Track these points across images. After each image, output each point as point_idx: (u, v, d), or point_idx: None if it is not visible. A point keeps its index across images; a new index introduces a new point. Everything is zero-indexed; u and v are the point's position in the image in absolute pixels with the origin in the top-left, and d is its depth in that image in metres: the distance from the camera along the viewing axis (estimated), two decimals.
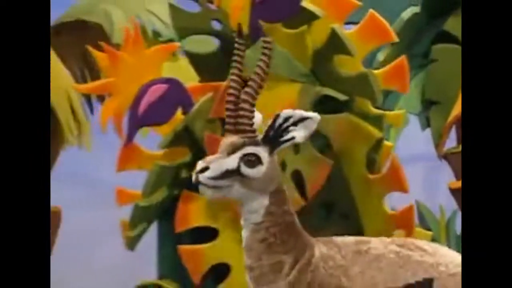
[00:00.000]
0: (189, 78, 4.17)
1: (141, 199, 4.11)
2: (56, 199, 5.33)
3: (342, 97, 3.77)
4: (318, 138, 3.83)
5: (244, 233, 3.22)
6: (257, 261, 3.24)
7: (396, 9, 5.06)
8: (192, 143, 4.01)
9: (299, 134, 3.16)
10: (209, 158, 3.17)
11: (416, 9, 5.02)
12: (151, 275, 4.54)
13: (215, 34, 4.13)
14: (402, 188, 3.95)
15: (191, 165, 3.88)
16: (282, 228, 3.25)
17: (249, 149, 3.17)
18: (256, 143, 3.18)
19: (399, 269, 3.29)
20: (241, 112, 3.20)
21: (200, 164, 3.11)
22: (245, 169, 3.16)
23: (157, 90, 3.90)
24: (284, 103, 3.89)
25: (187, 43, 4.14)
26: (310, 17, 3.76)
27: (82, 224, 5.33)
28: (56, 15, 5.14)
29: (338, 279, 3.25)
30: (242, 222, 3.23)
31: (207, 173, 3.11)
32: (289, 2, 3.87)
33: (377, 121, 3.82)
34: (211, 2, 4.05)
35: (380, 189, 3.83)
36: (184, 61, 4.26)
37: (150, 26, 4.96)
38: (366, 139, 3.81)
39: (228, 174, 3.16)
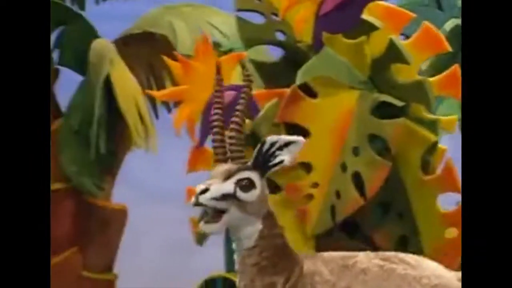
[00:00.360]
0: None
1: None
2: (123, 198, 5.40)
3: (399, 103, 3.86)
4: (377, 142, 3.92)
5: (237, 257, 3.24)
6: (251, 283, 3.25)
7: (439, 21, 5.18)
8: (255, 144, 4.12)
9: (286, 158, 3.21)
10: (207, 181, 3.17)
11: (457, 21, 5.13)
12: (219, 269, 4.64)
13: (279, 44, 4.21)
14: (456, 189, 3.98)
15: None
16: (273, 251, 3.27)
17: (244, 174, 3.20)
18: (248, 168, 3.22)
19: (384, 282, 3.30)
20: (232, 141, 3.23)
21: (200, 187, 3.13)
22: (240, 193, 3.19)
23: (227, 97, 3.89)
24: (343, 109, 4.04)
25: (251, 52, 4.25)
26: (369, 28, 3.86)
27: (149, 222, 5.46)
28: (124, 27, 5.24)
29: None
30: (234, 246, 3.24)
31: (208, 194, 3.13)
32: (350, 14, 3.97)
33: (432, 125, 3.91)
34: (276, 15, 4.14)
35: (434, 190, 3.91)
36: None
37: (212, 37, 4.93)
38: (422, 143, 3.89)
39: (225, 197, 3.17)
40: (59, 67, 5.23)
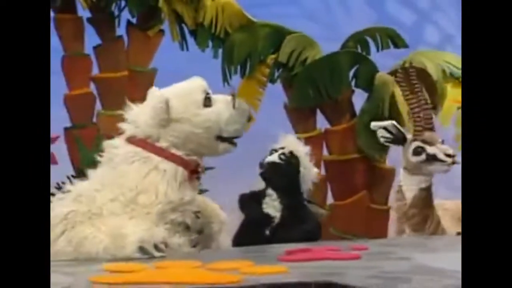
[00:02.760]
0: None
1: None
2: (392, 162, 6.45)
3: None
4: None
5: (409, 194, 3.77)
6: (418, 214, 3.76)
7: None
8: None
9: None
10: (449, 149, 3.74)
11: None
12: None
13: None
14: None
15: None
16: (431, 191, 3.86)
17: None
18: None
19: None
20: (427, 118, 3.85)
21: (449, 150, 3.75)
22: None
23: None
24: None
25: None
26: None
27: None
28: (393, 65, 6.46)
29: None
30: (405, 187, 3.77)
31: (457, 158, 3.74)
32: None
33: None
34: None
35: None
36: None
37: (448, 69, 6.37)
38: None
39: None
40: (355, 88, 6.55)
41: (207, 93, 3.46)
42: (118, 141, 3.47)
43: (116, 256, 3.08)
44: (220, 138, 3.46)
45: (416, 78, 3.90)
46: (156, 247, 3.15)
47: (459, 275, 2.28)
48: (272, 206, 3.60)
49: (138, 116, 3.39)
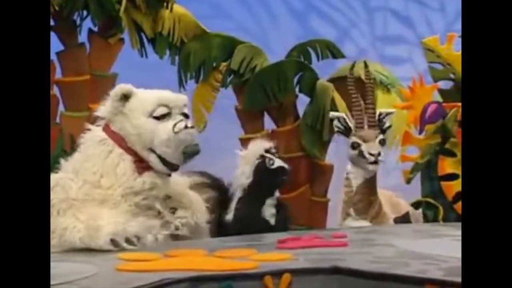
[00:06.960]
0: None
1: (418, 159, 5.22)
2: (332, 159, 6.56)
3: None
4: None
5: (356, 182, 3.68)
6: (362, 200, 3.69)
7: None
8: (443, 132, 5.19)
9: (388, 123, 3.76)
10: (375, 147, 3.60)
11: None
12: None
13: (451, 79, 5.27)
14: None
15: (442, 144, 5.06)
16: (375, 180, 3.77)
17: (381, 136, 3.75)
18: (381, 132, 3.74)
19: (394, 207, 3.93)
20: (370, 116, 3.69)
21: (374, 151, 3.59)
22: (383, 148, 3.73)
23: (433, 106, 5.15)
24: None
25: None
26: None
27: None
28: (330, 72, 6.51)
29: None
30: (351, 176, 3.66)
31: (381, 157, 3.68)
32: None
33: None
34: (448, 64, 5.18)
35: None
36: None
37: (378, 77, 6.26)
38: None
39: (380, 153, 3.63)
40: (299, 93, 6.54)
41: (167, 109, 3.31)
42: (91, 126, 3.41)
43: (90, 246, 2.97)
44: (152, 151, 3.32)
45: (368, 78, 3.81)
46: (128, 240, 3.01)
47: (451, 259, 2.39)
48: (270, 210, 3.60)
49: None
